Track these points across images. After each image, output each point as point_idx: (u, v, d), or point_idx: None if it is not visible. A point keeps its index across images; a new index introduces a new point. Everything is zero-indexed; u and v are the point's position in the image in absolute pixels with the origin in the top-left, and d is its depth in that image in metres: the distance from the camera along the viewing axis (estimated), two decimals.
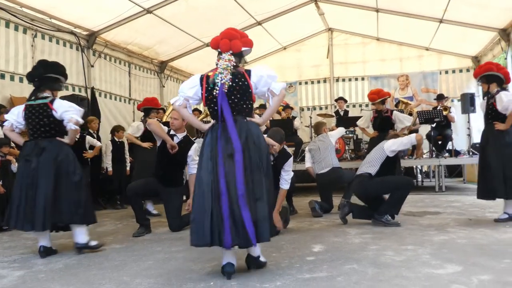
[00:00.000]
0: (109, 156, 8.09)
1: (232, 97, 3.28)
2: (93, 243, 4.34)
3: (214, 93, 3.29)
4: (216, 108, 3.30)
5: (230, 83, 3.27)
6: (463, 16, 9.89)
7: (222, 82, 3.26)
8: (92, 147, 7.77)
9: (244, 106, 3.33)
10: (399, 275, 3.12)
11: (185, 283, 3.13)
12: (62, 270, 3.68)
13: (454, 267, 3.27)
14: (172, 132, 5.45)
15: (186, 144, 5.42)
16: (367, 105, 11.39)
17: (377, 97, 7.97)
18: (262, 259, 3.45)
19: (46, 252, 4.19)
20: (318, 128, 7.01)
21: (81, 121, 4.33)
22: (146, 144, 7.07)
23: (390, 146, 5.37)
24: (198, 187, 3.27)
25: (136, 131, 7.22)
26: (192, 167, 5.30)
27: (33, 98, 4.30)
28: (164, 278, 3.28)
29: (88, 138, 7.71)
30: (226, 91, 3.26)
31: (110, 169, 8.07)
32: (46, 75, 4.34)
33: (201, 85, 3.35)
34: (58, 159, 4.18)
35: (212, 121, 3.39)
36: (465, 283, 2.89)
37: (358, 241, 4.39)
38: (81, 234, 4.27)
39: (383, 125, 7.91)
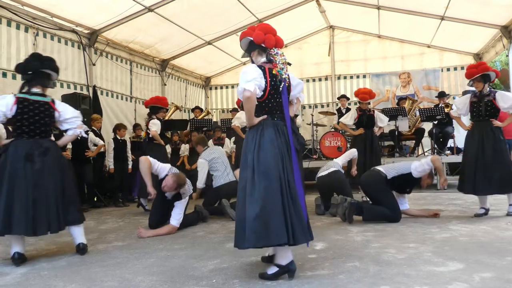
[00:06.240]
0: (111, 154, 8.10)
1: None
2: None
3: (280, 89, 3.28)
4: (278, 101, 3.28)
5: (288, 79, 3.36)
6: (465, 13, 9.87)
7: (284, 77, 3.31)
8: (94, 145, 7.82)
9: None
10: (401, 272, 3.13)
11: (187, 281, 3.14)
12: (65, 267, 3.70)
13: (455, 265, 3.28)
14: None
15: (175, 198, 5.36)
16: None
17: (368, 97, 8.04)
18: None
19: (21, 259, 3.88)
20: None
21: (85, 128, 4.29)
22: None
23: (416, 167, 5.35)
24: (265, 179, 3.12)
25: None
26: (176, 217, 5.26)
27: (24, 91, 4.07)
28: (167, 276, 3.29)
29: (91, 136, 7.73)
30: (287, 85, 3.35)
31: (112, 167, 8.08)
32: (42, 70, 4.12)
33: (265, 77, 3.23)
34: (61, 160, 4.14)
35: (263, 116, 3.26)
36: (466, 280, 2.89)
37: (360, 239, 4.40)
38: (82, 234, 4.21)
39: (369, 123, 7.98)
